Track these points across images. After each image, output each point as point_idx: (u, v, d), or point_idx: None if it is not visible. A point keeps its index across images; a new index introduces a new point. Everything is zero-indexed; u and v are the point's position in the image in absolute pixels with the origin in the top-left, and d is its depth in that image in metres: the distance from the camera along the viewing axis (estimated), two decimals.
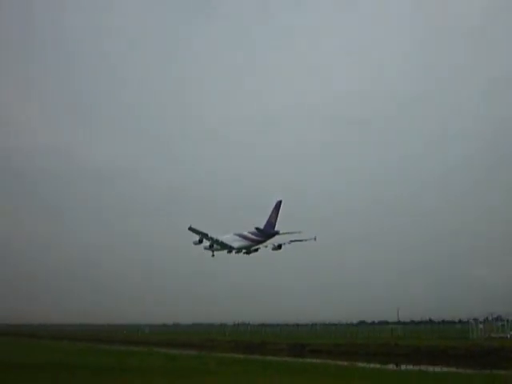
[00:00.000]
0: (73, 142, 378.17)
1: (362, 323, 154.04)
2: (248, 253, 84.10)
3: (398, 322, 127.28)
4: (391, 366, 51.57)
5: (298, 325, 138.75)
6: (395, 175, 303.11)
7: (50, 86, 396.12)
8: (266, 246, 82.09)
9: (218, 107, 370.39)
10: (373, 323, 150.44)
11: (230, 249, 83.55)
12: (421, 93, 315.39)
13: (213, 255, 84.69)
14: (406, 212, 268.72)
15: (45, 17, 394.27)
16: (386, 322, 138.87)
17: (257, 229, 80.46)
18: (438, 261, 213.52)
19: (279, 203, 79.66)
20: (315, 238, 78.92)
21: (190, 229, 78.27)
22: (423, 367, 44.75)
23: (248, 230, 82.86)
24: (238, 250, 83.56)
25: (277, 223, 79.44)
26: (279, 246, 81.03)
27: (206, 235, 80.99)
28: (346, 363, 47.07)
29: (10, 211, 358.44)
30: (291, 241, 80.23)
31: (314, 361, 50.81)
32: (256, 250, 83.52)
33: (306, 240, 79.43)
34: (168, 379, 29.99)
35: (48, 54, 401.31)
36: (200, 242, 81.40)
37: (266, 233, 79.81)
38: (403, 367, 50.29)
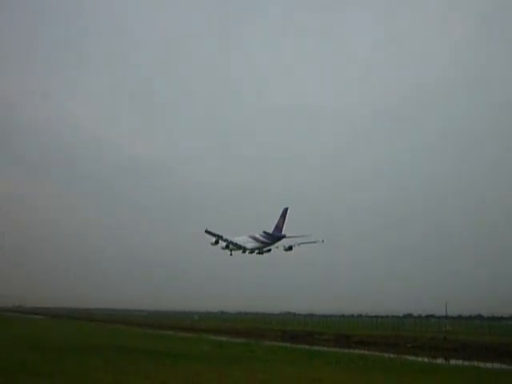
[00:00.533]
0: (126, 136, 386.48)
1: (408, 316, 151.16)
2: (261, 253, 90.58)
3: (446, 317, 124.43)
4: (440, 361, 50.11)
5: (343, 316, 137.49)
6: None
7: (107, 82, 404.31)
8: (277, 247, 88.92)
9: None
10: (419, 317, 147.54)
11: (243, 249, 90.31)
12: None
13: (231, 254, 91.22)
14: (456, 206, 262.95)
15: (96, 15, 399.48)
16: (433, 316, 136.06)
17: (265, 232, 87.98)
18: (490, 255, 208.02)
19: (286, 210, 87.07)
20: (323, 241, 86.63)
21: (207, 231, 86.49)
22: (475, 363, 43.41)
23: (259, 232, 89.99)
24: (251, 251, 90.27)
25: (284, 227, 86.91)
26: (290, 248, 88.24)
27: (221, 237, 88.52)
28: (393, 355, 46.11)
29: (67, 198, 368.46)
30: (300, 243, 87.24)
31: (361, 352, 49.81)
32: (269, 250, 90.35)
33: (314, 242, 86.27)
34: (215, 365, 29.89)
35: (103, 51, 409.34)
36: (216, 242, 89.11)
37: (274, 236, 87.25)
38: (453, 362, 48.76)
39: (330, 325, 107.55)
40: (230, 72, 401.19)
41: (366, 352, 50.32)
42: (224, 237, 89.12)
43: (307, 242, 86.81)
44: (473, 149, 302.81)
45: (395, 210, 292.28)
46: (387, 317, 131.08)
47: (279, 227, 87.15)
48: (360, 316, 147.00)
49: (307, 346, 58.23)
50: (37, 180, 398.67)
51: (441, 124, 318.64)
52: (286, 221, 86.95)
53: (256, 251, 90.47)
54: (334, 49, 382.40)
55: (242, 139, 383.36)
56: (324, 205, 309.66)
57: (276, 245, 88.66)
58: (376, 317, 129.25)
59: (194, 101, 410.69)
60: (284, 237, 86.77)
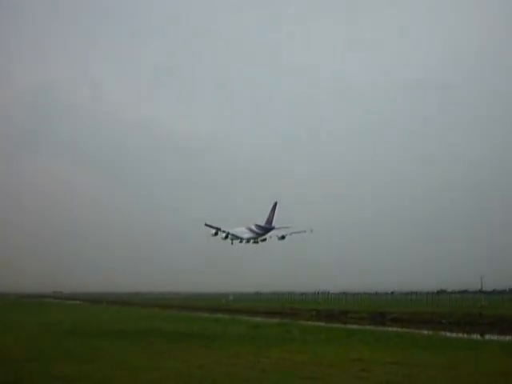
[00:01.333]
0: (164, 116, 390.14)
1: (441, 292, 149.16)
2: (256, 242, 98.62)
3: (481, 291, 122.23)
4: (477, 337, 48.93)
5: (376, 293, 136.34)
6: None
7: (144, 59, 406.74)
8: (271, 237, 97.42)
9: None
10: (453, 292, 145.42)
11: (240, 239, 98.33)
12: None
13: (232, 243, 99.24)
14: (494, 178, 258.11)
15: None
16: (467, 292, 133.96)
17: (257, 225, 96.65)
18: None
19: (275, 204, 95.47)
20: (312, 230, 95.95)
21: (206, 225, 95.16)
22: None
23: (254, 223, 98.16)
24: (248, 241, 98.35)
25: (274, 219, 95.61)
26: (283, 237, 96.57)
27: (219, 229, 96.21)
28: (430, 332, 45.13)
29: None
30: (292, 233, 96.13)
31: (398, 329, 49.00)
32: (264, 239, 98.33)
33: (304, 232, 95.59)
34: (253, 346, 29.49)
35: (139, 27, 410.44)
36: (216, 234, 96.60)
37: (265, 228, 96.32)
38: (490, 337, 47.50)
39: (363, 303, 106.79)
40: (270, 47, 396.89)
41: (403, 329, 49.51)
42: (222, 229, 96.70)
43: (297, 232, 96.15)
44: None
45: (425, 181, 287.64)
46: (420, 293, 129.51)
47: (270, 220, 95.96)
48: (392, 293, 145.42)
49: (342, 325, 57.65)
50: (79, 163, 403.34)
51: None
52: (275, 213, 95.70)
53: (252, 241, 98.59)
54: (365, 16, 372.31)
55: (282, 115, 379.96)
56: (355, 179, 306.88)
57: (269, 234, 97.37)
58: (409, 293, 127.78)
59: (231, 76, 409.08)
60: (273, 228, 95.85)
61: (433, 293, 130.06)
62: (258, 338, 34.35)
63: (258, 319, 62.63)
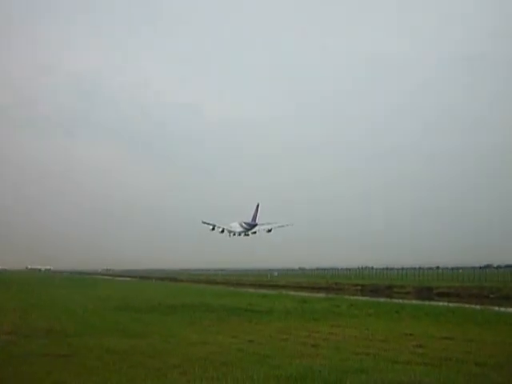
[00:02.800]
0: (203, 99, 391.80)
1: (487, 267, 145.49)
2: (247, 235, 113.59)
3: None
4: None
5: (421, 268, 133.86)
6: None
7: (182, 45, 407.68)
8: (258, 231, 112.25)
9: None
10: (499, 267, 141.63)
11: (234, 233, 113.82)
12: None
13: (229, 236, 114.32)
14: None
15: None
16: None
17: (245, 222, 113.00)
18: None
19: (258, 205, 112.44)
20: (292, 224, 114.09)
21: (203, 222, 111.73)
22: None
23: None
24: (239, 234, 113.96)
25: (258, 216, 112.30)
26: (270, 230, 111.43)
27: (215, 225, 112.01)
28: (478, 307, 43.59)
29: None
30: (279, 226, 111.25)
31: (446, 304, 47.56)
32: (254, 232, 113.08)
33: (287, 225, 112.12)
34: (302, 321, 28.90)
35: (178, 13, 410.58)
36: (213, 229, 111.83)
37: (250, 224, 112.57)
38: None
39: (408, 277, 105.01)
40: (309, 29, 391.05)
41: (451, 304, 48.04)
42: (217, 225, 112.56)
43: (280, 226, 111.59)
44: None
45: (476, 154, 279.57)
46: (465, 268, 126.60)
47: (254, 217, 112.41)
48: (438, 268, 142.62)
49: (388, 300, 56.51)
50: (121, 148, 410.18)
51: None
52: (258, 212, 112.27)
53: (242, 234, 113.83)
54: None
55: (323, 99, 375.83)
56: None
57: (257, 229, 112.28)
58: (455, 268, 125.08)
59: (269, 61, 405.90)
60: (256, 225, 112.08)
61: (479, 267, 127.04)
62: (306, 313, 33.73)
63: (304, 294, 61.97)
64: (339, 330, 25.09)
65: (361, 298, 61.17)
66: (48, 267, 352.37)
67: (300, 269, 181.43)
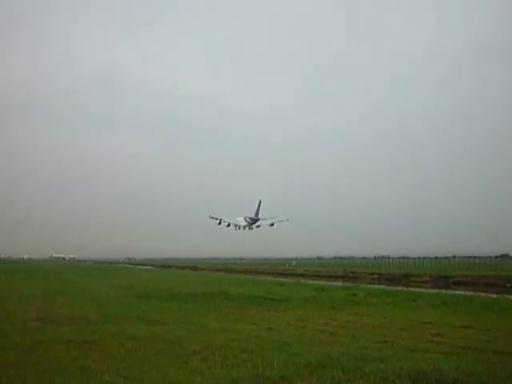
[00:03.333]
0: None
1: (503, 256, 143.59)
2: (251, 228, 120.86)
3: None
4: None
5: (437, 257, 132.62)
6: None
7: (203, 37, 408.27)
8: (261, 225, 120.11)
9: None
10: None
11: (239, 227, 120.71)
12: None
13: (235, 229, 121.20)
14: None
15: None
16: None
17: (249, 217, 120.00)
18: None
19: (260, 202, 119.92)
20: (288, 219, 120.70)
21: (210, 217, 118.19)
22: None
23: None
24: (244, 227, 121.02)
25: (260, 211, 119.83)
26: (272, 224, 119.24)
27: (221, 219, 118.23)
28: (496, 296, 43.06)
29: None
30: (278, 221, 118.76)
31: (464, 293, 47.08)
32: (258, 226, 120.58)
33: (286, 220, 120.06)
34: (320, 309, 28.83)
35: (195, 11, 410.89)
36: (220, 223, 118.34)
37: (253, 219, 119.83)
38: None
39: (425, 266, 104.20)
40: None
41: (468, 293, 47.58)
42: (223, 219, 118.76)
43: (279, 221, 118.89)
44: None
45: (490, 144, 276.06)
46: (482, 257, 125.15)
47: (257, 213, 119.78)
48: (454, 257, 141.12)
49: (405, 288, 56.12)
50: (146, 139, 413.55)
51: None
52: (260, 208, 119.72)
53: (247, 228, 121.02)
54: None
55: (339, 88, 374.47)
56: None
57: (260, 223, 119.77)
58: (471, 257, 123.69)
59: (290, 50, 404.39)
60: (258, 219, 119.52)
61: (495, 257, 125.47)
62: (324, 301, 33.68)
63: (321, 283, 61.85)
64: (357, 318, 24.98)
65: (378, 286, 60.89)
66: (72, 256, 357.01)
67: (317, 258, 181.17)
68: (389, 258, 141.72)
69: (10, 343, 17.28)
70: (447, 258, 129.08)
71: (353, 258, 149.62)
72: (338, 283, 62.76)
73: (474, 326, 21.52)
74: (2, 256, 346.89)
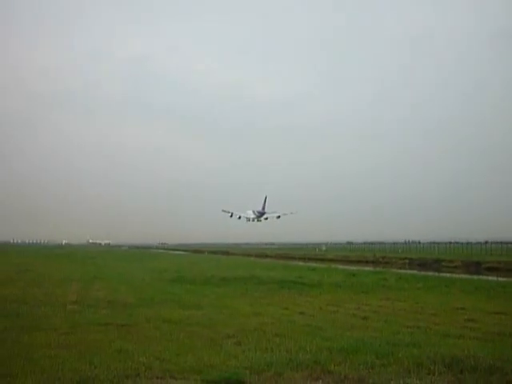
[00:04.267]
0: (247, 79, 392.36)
1: None
2: (259, 221, 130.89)
3: None
4: None
5: (469, 242, 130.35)
6: None
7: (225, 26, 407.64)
8: (267, 218, 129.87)
9: None
10: None
11: (248, 219, 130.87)
12: None
13: (246, 221, 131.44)
14: None
15: None
16: None
17: (257, 211, 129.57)
18: None
19: (266, 197, 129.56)
20: (291, 213, 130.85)
21: (223, 211, 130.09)
22: None
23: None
24: (253, 220, 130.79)
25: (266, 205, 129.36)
26: (278, 217, 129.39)
27: (232, 213, 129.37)
28: None
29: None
30: (283, 214, 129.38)
31: (497, 279, 46.13)
32: (266, 218, 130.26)
33: (291, 213, 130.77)
34: (351, 294, 28.63)
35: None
36: (231, 216, 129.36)
37: (260, 212, 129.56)
38: None
39: (456, 251, 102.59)
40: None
41: (501, 279, 46.59)
42: (235, 212, 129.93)
43: (284, 214, 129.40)
44: None
45: None
46: None
47: (263, 207, 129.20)
48: (486, 242, 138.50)
49: (437, 274, 55.36)
50: (172, 129, 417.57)
51: None
52: (266, 203, 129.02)
53: (256, 220, 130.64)
54: None
55: (360, 75, 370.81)
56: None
57: (266, 216, 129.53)
58: (503, 243, 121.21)
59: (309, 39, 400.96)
60: (265, 213, 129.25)
61: None
62: (355, 286, 33.46)
63: (352, 268, 61.49)
64: (389, 303, 24.72)
65: (409, 271, 60.21)
66: (107, 241, 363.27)
67: (347, 243, 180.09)
68: (419, 243, 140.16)
69: (51, 325, 17.64)
70: (479, 243, 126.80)
71: (382, 243, 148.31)
72: (369, 268, 62.26)
73: (508, 313, 21.03)
74: (42, 241, 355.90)
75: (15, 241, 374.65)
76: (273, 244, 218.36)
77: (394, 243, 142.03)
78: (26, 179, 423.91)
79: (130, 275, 43.34)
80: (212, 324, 18.12)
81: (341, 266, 65.30)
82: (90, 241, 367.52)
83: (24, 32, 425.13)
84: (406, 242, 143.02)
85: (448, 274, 52.71)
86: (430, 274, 54.31)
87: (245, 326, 17.57)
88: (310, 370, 11.98)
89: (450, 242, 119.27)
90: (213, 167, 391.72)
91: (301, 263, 79.55)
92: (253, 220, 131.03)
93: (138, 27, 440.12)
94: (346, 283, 35.78)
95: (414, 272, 57.67)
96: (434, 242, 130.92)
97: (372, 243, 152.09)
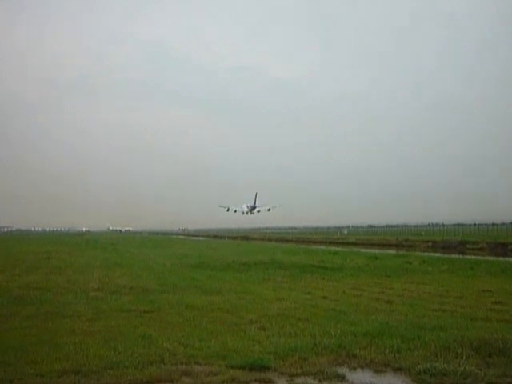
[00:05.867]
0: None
1: None
2: (252, 214, 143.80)
3: None
4: None
5: (493, 224, 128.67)
6: None
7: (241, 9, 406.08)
8: (259, 211, 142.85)
9: None
10: None
11: (243, 212, 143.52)
12: None
13: (242, 214, 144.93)
14: None
15: None
16: None
17: (250, 205, 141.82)
18: None
19: (256, 194, 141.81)
20: (280, 205, 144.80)
21: (220, 206, 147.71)
22: None
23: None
24: (247, 213, 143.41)
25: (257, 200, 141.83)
26: (269, 209, 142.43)
27: (228, 207, 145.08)
28: None
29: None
30: (272, 207, 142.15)
31: None
32: (258, 211, 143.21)
33: (280, 206, 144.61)
34: (375, 278, 28.54)
35: None
36: (228, 210, 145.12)
37: (252, 207, 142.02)
38: None
39: (481, 233, 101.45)
40: None
41: None
42: (231, 207, 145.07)
43: (273, 207, 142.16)
44: None
45: None
46: None
47: (254, 202, 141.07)
48: (510, 223, 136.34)
49: (461, 256, 54.91)
50: (192, 109, 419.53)
51: None
52: (257, 198, 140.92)
53: (249, 213, 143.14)
54: None
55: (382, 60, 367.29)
56: None
57: (258, 209, 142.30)
58: None
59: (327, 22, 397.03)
60: (256, 207, 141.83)
61: None
62: (378, 270, 33.33)
63: (375, 251, 61.25)
64: (413, 286, 24.59)
65: (432, 254, 59.80)
66: (128, 228, 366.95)
67: (369, 226, 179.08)
68: (443, 225, 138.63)
69: (75, 312, 17.89)
70: (504, 224, 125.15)
71: (405, 225, 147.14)
72: (392, 251, 62.00)
73: None
74: (63, 229, 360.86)
75: (36, 229, 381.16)
76: (294, 228, 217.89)
77: (417, 226, 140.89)
78: (47, 167, 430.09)
79: (151, 261, 43.72)
80: (235, 309, 18.18)
81: (363, 250, 65.12)
82: (111, 228, 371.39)
83: (41, 17, 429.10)
84: (429, 225, 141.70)
85: (473, 256, 52.27)
86: (455, 256, 53.87)
87: (268, 311, 17.61)
88: (335, 354, 11.99)
89: (475, 224, 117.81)
90: (233, 152, 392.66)
91: (322, 247, 79.52)
92: (246, 213, 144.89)
93: (156, 11, 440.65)
94: (369, 267, 35.68)
95: (438, 255, 57.26)
96: (458, 224, 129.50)
97: (394, 226, 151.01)
